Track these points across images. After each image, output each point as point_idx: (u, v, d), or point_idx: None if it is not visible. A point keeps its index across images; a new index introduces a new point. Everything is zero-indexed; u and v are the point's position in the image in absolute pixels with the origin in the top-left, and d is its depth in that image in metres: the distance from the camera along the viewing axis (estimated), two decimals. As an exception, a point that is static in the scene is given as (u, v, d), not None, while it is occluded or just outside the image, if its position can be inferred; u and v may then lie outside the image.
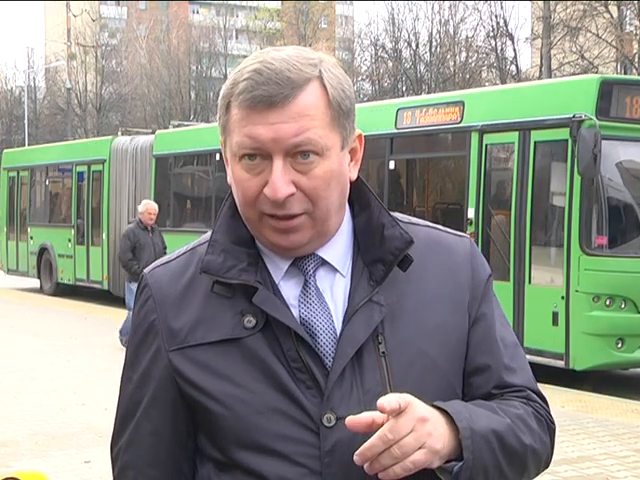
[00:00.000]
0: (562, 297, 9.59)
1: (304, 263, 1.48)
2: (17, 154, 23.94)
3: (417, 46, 38.21)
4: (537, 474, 1.54)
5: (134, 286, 10.76)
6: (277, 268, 1.48)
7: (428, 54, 38.29)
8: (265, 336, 1.44)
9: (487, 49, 35.72)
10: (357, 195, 1.53)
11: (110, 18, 62.75)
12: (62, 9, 53.68)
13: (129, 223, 12.33)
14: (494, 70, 35.23)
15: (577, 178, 9.47)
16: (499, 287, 10.42)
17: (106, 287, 18.12)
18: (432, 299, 1.50)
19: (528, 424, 1.48)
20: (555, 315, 9.70)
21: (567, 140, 9.53)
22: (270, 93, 1.38)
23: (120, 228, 17.71)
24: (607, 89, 9.60)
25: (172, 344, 1.48)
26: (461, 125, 11.00)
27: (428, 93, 32.54)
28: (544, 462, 1.53)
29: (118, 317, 14.52)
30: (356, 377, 1.43)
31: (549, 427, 1.54)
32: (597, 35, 28.96)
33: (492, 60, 35.28)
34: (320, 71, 1.43)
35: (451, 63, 37.42)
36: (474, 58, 36.54)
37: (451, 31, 37.88)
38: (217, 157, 14.59)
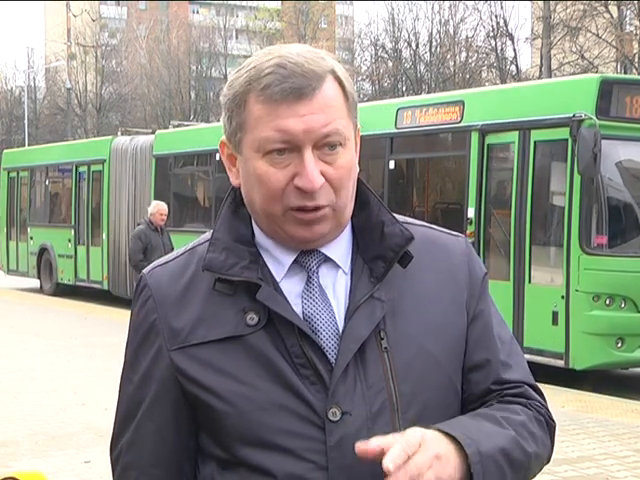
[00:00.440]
0: (562, 297, 9.59)
1: (307, 260, 1.49)
2: (17, 154, 23.93)
3: (417, 46, 38.22)
4: (538, 472, 1.55)
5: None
6: (279, 266, 1.49)
7: (428, 54, 38.30)
8: (268, 333, 1.44)
9: (487, 49, 35.75)
10: (356, 193, 1.53)
11: (110, 18, 62.76)
12: (62, 9, 53.71)
13: (138, 224, 12.23)
14: (494, 70, 35.25)
15: (577, 178, 9.48)
16: (499, 287, 10.52)
17: (106, 287, 18.12)
18: (431, 296, 1.52)
19: (530, 431, 1.49)
20: (555, 315, 9.70)
21: (567, 140, 9.53)
22: (299, 85, 1.40)
23: (120, 228, 17.74)
24: (607, 89, 9.60)
25: (174, 343, 1.48)
26: (461, 125, 11.00)
27: (428, 93, 32.53)
28: (546, 462, 1.55)
29: (118, 317, 14.53)
30: (359, 372, 1.44)
31: (549, 426, 1.55)
32: (597, 35, 28.96)
33: (492, 60, 35.30)
34: (332, 65, 1.45)
35: (451, 63, 37.43)
36: (474, 58, 36.56)
37: (451, 31, 37.89)
38: (217, 157, 14.58)
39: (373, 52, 39.94)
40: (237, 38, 59.85)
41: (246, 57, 1.49)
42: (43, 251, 20.17)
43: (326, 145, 1.42)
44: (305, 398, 1.42)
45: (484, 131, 10.62)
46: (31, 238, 20.81)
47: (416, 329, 1.48)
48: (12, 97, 53.92)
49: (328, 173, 1.42)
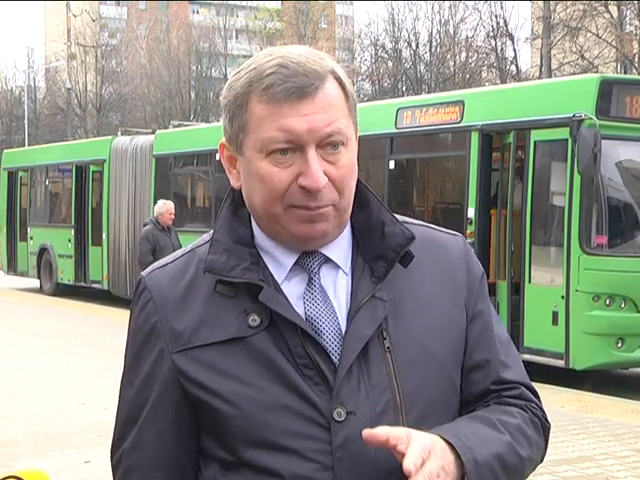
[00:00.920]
0: (562, 297, 9.58)
1: (308, 261, 1.49)
2: (17, 154, 23.93)
3: (417, 46, 38.23)
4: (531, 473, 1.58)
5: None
6: (280, 267, 1.49)
7: (428, 54, 38.31)
8: (270, 334, 1.44)
9: (487, 49, 35.75)
10: (355, 194, 1.53)
11: (110, 18, 62.77)
12: (62, 9, 53.69)
13: (144, 225, 12.18)
14: (494, 70, 35.26)
15: (577, 178, 9.47)
16: (499, 286, 10.51)
17: (106, 287, 18.13)
18: (432, 296, 1.52)
19: (526, 434, 1.51)
20: (555, 315, 9.70)
21: (567, 140, 9.53)
22: (301, 84, 1.40)
23: (120, 228, 17.74)
24: (607, 89, 9.60)
25: (175, 346, 1.47)
26: (461, 125, 11.00)
27: (428, 93, 32.54)
28: (539, 462, 1.58)
29: (118, 317, 14.53)
30: (363, 372, 1.44)
31: (544, 427, 1.57)
32: (597, 35, 28.97)
33: (492, 60, 35.31)
34: (332, 65, 1.46)
35: (451, 63, 37.44)
36: (474, 58, 36.56)
37: (451, 31, 37.90)
38: (217, 157, 14.58)
39: (373, 52, 39.96)
40: (237, 38, 59.85)
41: (246, 57, 1.47)
42: (43, 251, 20.17)
43: (329, 144, 1.42)
44: (309, 399, 1.42)
45: (484, 131, 10.62)
46: (31, 238, 20.81)
47: (418, 329, 1.49)
48: (12, 97, 53.92)
49: (331, 172, 1.43)
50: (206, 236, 1.54)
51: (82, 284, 19.06)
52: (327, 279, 1.49)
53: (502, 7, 39.46)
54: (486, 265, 10.11)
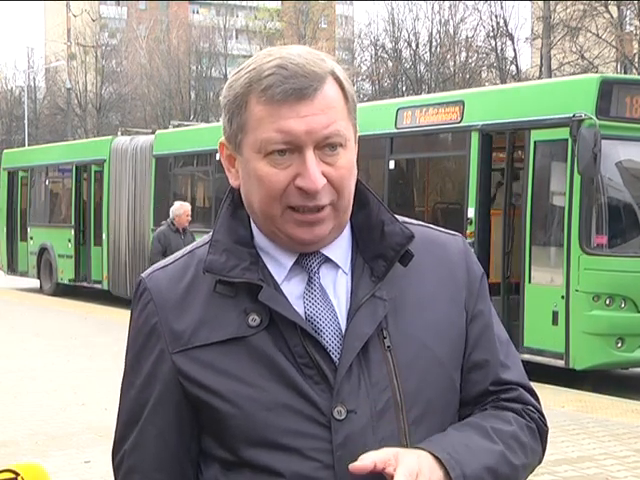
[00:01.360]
0: (562, 296, 9.58)
1: (308, 261, 1.49)
2: (17, 154, 23.92)
3: (417, 46, 38.25)
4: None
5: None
6: (279, 267, 1.49)
7: (428, 54, 38.32)
8: (270, 334, 1.44)
9: (487, 49, 35.76)
10: (355, 194, 1.53)
11: (110, 18, 62.76)
12: (62, 9, 53.67)
13: (160, 225, 12.14)
14: (494, 70, 35.27)
15: (577, 178, 9.47)
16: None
17: (106, 287, 18.13)
18: (432, 295, 1.53)
19: (521, 442, 1.51)
20: (555, 314, 9.70)
21: (567, 140, 9.52)
22: (300, 86, 1.40)
23: (120, 228, 17.74)
24: (607, 89, 9.59)
25: (176, 346, 1.47)
26: (461, 125, 11.00)
27: (428, 93, 32.54)
28: (536, 466, 1.57)
29: (118, 317, 14.53)
30: (363, 371, 1.44)
31: (541, 431, 1.57)
32: (597, 35, 28.97)
33: (492, 60, 35.32)
34: (332, 66, 1.46)
35: (451, 63, 37.45)
36: (474, 58, 36.58)
37: (451, 31, 37.91)
38: (217, 157, 14.57)
39: (373, 52, 39.98)
40: (237, 38, 59.85)
41: (246, 57, 1.47)
42: (43, 251, 20.17)
43: (327, 146, 1.42)
44: (310, 398, 1.42)
45: (484, 131, 10.62)
46: (31, 238, 20.80)
47: (418, 328, 1.49)
48: (12, 97, 53.93)
49: (329, 174, 1.43)
50: (206, 237, 1.54)
51: (82, 284, 19.06)
52: (327, 279, 1.49)
53: (502, 7, 39.60)
54: (486, 265, 10.11)
